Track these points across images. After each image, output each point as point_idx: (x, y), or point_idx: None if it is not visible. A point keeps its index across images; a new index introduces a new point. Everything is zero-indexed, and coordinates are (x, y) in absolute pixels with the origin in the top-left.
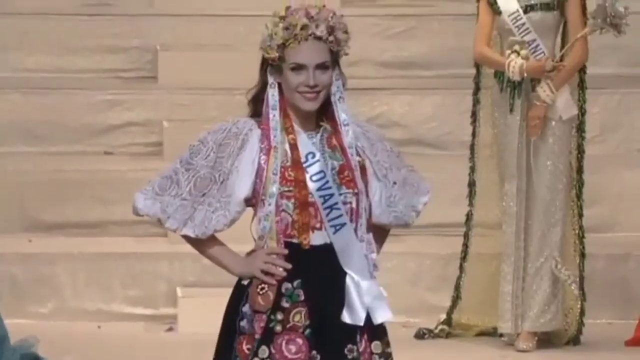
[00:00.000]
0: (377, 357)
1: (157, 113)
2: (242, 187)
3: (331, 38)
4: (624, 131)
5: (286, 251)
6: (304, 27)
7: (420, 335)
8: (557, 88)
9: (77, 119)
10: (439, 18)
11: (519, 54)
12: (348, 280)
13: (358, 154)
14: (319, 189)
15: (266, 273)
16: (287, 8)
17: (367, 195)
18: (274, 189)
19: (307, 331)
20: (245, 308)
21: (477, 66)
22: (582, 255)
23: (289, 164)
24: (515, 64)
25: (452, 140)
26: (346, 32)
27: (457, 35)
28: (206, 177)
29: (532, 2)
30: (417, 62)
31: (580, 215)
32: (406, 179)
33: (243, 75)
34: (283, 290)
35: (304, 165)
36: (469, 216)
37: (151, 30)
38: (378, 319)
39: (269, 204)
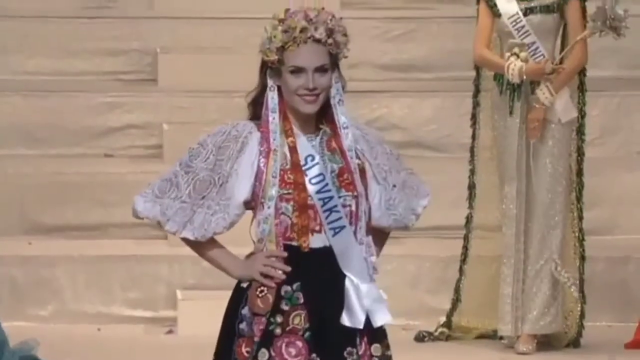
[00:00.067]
0: (377, 359)
1: (157, 115)
2: (242, 189)
3: (330, 41)
4: (624, 134)
5: (285, 254)
6: (303, 30)
7: (420, 338)
8: (556, 91)
9: (77, 121)
10: (439, 21)
11: (518, 56)
12: (347, 283)
13: (357, 157)
14: (318, 192)
15: (265, 276)
16: (286, 11)
17: (367, 198)
18: (273, 191)
19: (307, 334)
20: (245, 311)
21: (477, 69)
22: (582, 258)
23: (288, 166)
24: (514, 67)
25: (451, 143)
26: (345, 34)
27: (457, 37)
28: (205, 180)
29: (532, 4)
30: (417, 64)
31: (580, 218)
32: (406, 182)
33: (243, 77)
34: (282, 292)
35: (304, 168)
36: (468, 219)
37: (151, 33)
38: (377, 322)
39: (269, 207)
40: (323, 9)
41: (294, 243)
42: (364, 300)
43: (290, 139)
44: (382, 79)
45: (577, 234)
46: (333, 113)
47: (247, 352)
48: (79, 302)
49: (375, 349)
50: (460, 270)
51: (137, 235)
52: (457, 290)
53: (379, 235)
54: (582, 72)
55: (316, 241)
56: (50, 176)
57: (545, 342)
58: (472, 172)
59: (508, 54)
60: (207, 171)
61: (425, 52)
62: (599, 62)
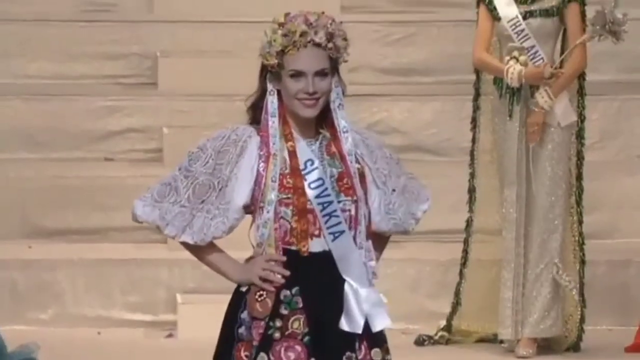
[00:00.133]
0: None
1: (157, 119)
2: (241, 194)
3: (330, 45)
4: (624, 137)
5: (284, 258)
6: (303, 34)
7: (420, 341)
8: (555, 94)
9: (77, 125)
10: (439, 24)
11: (517, 60)
12: (347, 287)
13: (357, 161)
14: (317, 197)
15: (264, 280)
16: (287, 15)
17: (366, 203)
18: (272, 196)
19: (306, 338)
20: (244, 315)
21: (477, 72)
22: (582, 262)
23: (287, 171)
24: (513, 71)
25: (451, 147)
26: (345, 38)
27: (457, 41)
28: (205, 184)
29: (532, 8)
30: (417, 68)
31: (580, 222)
32: (406, 187)
33: (243, 81)
34: (281, 297)
35: (303, 172)
36: (468, 222)
37: (151, 37)
38: (377, 327)
39: (268, 211)
40: (323, 12)
41: (293, 247)
42: (363, 304)
43: (290, 143)
44: (382, 82)
45: (577, 238)
46: (333, 117)
47: (246, 356)
48: (79, 305)
49: (375, 353)
50: (461, 274)
51: (137, 239)
52: (457, 294)
53: (379, 240)
54: (581, 76)
55: (315, 246)
56: (51, 180)
57: (545, 346)
58: (472, 175)
59: (507, 57)
60: (207, 175)
61: (425, 55)
62: (598, 66)
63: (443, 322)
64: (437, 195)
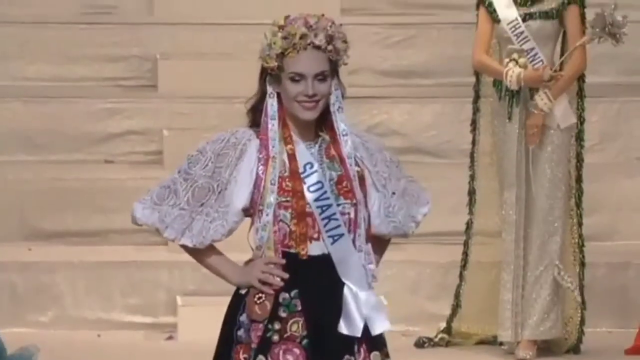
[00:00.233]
0: None
1: (157, 122)
2: (240, 197)
3: (330, 47)
4: (623, 140)
5: (283, 261)
6: (302, 37)
7: (420, 344)
8: (555, 97)
9: (77, 127)
10: (439, 27)
11: (517, 62)
12: (346, 290)
13: (357, 164)
14: (316, 200)
15: (263, 282)
16: (286, 17)
17: (366, 206)
18: (271, 199)
19: (305, 341)
20: (243, 317)
21: (477, 74)
22: (582, 264)
23: (287, 174)
24: (513, 73)
25: (451, 149)
26: (345, 41)
27: (457, 43)
28: (204, 187)
29: (531, 10)
30: (417, 70)
31: (580, 224)
32: (406, 189)
33: (243, 83)
34: (280, 300)
35: (302, 175)
36: (468, 224)
37: (151, 39)
38: (376, 330)
39: (267, 214)
40: (323, 15)
41: (293, 250)
42: (362, 308)
43: (289, 146)
44: (382, 85)
45: (576, 240)
46: (332, 120)
47: (245, 358)
48: (79, 308)
49: (375, 356)
50: (460, 276)
51: (137, 241)
52: (457, 296)
53: (379, 243)
54: (581, 78)
55: (315, 249)
56: (50, 182)
57: (545, 348)
58: (472, 177)
59: (507, 59)
60: (206, 178)
61: (425, 58)
62: (598, 68)
63: (443, 324)
64: (437, 198)
